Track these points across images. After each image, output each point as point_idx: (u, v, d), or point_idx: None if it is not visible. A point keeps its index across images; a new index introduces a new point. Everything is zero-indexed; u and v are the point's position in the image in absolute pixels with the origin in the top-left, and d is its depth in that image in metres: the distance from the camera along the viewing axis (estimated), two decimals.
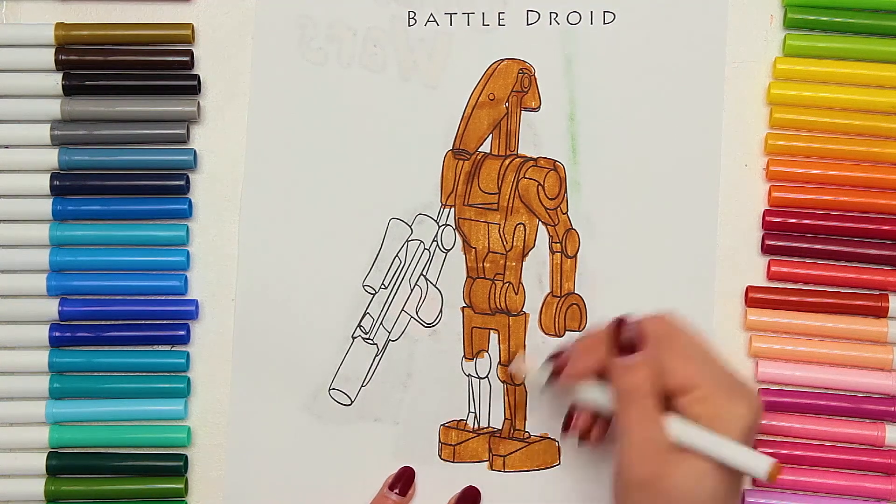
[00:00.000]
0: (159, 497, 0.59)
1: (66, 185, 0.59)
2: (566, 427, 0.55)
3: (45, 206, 0.59)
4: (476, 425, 0.59)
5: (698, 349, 0.50)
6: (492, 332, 0.59)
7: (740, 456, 0.47)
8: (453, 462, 0.59)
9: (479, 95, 0.60)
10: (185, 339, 0.59)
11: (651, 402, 0.49)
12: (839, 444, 0.58)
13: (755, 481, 0.58)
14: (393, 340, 0.59)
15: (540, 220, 0.59)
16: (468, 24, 0.60)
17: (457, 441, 0.59)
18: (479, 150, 0.60)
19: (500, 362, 0.59)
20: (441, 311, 0.59)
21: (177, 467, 0.59)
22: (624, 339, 0.50)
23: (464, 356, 0.59)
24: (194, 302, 0.59)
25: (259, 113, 0.60)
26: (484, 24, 0.60)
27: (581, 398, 0.53)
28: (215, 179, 0.60)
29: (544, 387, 0.56)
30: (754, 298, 0.58)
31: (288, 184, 0.60)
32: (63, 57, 0.59)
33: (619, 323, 0.51)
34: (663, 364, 0.49)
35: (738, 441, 0.48)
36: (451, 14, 0.60)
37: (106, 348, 0.59)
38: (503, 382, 0.59)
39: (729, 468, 0.48)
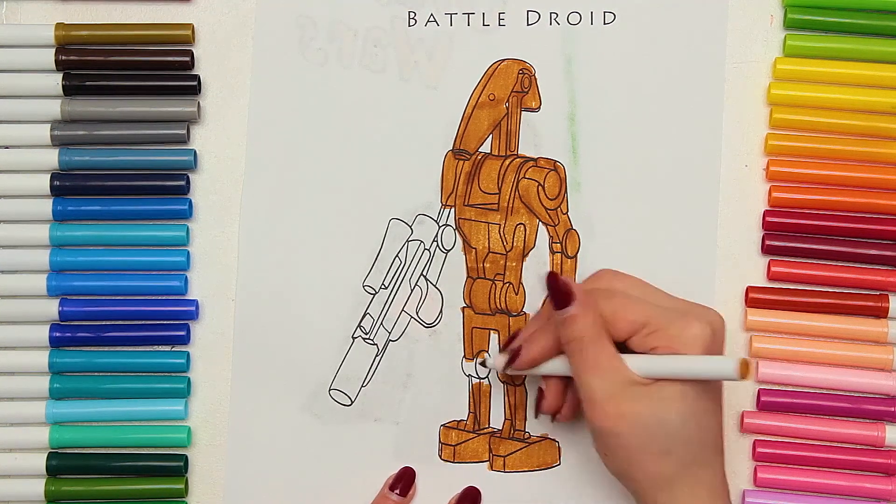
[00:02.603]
0: (159, 497, 0.59)
1: (66, 185, 0.59)
2: (537, 408, 0.56)
3: (45, 207, 0.59)
4: (476, 425, 0.59)
5: (639, 291, 0.52)
6: (492, 332, 0.59)
7: (706, 364, 0.48)
8: (453, 462, 0.59)
9: (480, 96, 0.60)
10: (185, 340, 0.59)
11: (600, 346, 0.50)
12: (839, 444, 0.58)
13: (756, 480, 0.58)
14: (393, 340, 0.59)
15: (540, 220, 0.59)
16: (468, 25, 0.60)
17: (457, 441, 0.59)
18: (480, 150, 0.60)
19: None
20: (441, 311, 0.59)
21: (177, 467, 0.59)
22: (557, 293, 0.51)
23: (464, 356, 0.59)
24: (194, 302, 0.59)
25: (259, 113, 0.60)
26: (484, 25, 0.60)
27: (544, 371, 0.54)
28: (215, 179, 0.60)
29: (507, 374, 0.57)
30: (754, 299, 0.58)
31: (288, 184, 0.60)
32: (63, 57, 0.59)
33: (550, 278, 0.51)
34: (605, 314, 0.51)
35: None
36: (451, 14, 0.60)
37: (106, 348, 0.59)
38: (503, 382, 0.59)
39: (699, 386, 0.49)
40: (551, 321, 0.53)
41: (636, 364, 0.50)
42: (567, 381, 0.54)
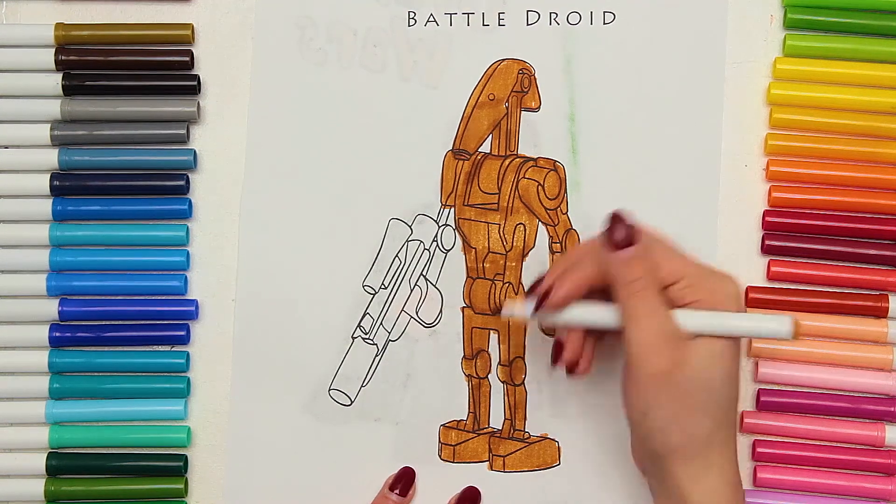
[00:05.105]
0: (159, 497, 0.59)
1: (66, 185, 0.59)
2: (555, 359, 0.54)
3: (45, 206, 0.59)
4: (476, 425, 0.59)
5: (676, 247, 0.52)
6: (492, 332, 0.59)
7: (759, 323, 0.48)
8: (453, 462, 0.59)
9: (479, 95, 0.60)
10: (185, 340, 0.59)
11: (655, 294, 0.49)
12: (839, 444, 0.58)
13: (755, 481, 0.58)
14: (393, 340, 0.59)
15: (540, 220, 0.59)
16: (468, 25, 0.60)
17: (457, 441, 0.59)
18: (479, 150, 0.60)
19: (500, 362, 0.59)
20: (441, 311, 0.59)
21: (177, 467, 0.59)
22: (621, 232, 0.50)
23: (464, 356, 0.59)
24: (194, 302, 0.59)
25: (259, 113, 0.60)
26: (484, 24, 0.60)
27: (571, 320, 0.52)
28: (215, 179, 0.60)
29: (532, 320, 0.56)
30: (754, 298, 0.58)
31: (288, 184, 0.60)
32: (63, 57, 0.59)
33: (616, 215, 0.50)
34: (655, 260, 0.50)
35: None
36: (451, 14, 0.60)
37: (106, 348, 0.59)
38: (503, 382, 0.59)
39: (736, 347, 0.48)
40: (586, 261, 0.51)
41: (683, 317, 0.49)
42: (586, 335, 0.53)
